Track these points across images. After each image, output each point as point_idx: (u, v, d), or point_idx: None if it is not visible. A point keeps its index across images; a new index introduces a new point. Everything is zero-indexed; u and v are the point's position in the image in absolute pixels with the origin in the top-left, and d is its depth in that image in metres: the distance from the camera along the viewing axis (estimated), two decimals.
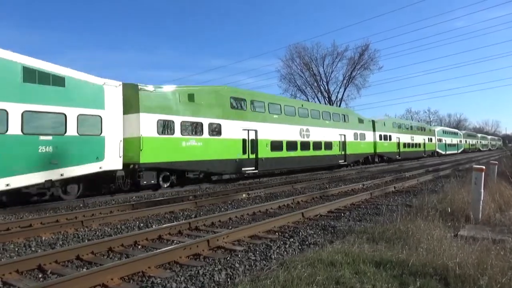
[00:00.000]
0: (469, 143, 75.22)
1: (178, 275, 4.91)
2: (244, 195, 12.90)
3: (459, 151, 64.14)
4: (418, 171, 22.40)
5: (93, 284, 4.49)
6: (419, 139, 44.62)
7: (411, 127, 44.06)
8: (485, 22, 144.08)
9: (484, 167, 7.42)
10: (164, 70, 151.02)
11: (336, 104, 55.82)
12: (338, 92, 57.74)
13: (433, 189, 13.31)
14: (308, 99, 56.52)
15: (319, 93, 58.04)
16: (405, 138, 40.24)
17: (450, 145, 58.31)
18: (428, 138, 48.53)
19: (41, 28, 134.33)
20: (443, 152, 53.93)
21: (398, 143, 38.06)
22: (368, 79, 56.74)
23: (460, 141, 66.37)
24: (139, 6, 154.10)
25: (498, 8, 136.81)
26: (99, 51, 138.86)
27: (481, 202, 7.17)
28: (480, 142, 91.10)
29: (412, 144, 42.51)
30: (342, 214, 9.09)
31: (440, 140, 53.20)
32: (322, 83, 57.92)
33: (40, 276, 5.08)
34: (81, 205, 11.76)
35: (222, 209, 10.49)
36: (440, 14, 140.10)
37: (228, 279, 4.74)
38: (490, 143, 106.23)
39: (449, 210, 7.54)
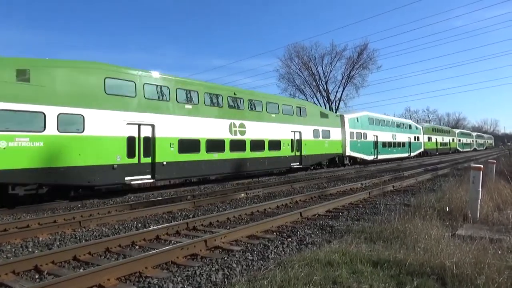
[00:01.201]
0: (436, 142, 51.93)
1: (175, 275, 4.89)
2: (242, 194, 12.89)
3: (414, 153, 42.41)
4: (416, 170, 22.42)
5: (90, 284, 4.47)
6: (276, 133, 20.42)
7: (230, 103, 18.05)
8: (483, 21, 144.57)
9: (482, 166, 7.43)
10: (165, 69, 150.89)
11: (335, 103, 55.86)
12: (337, 92, 57.73)
13: (432, 188, 13.32)
14: (307, 98, 56.51)
15: (318, 92, 58.07)
16: (211, 128, 16.40)
17: (389, 144, 35.71)
18: (313, 131, 23.57)
19: (42, 29, 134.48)
20: (369, 158, 31.08)
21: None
22: (367, 79, 56.35)
23: (417, 138, 43.82)
24: (140, 7, 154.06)
25: (497, 7, 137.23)
26: (100, 51, 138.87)
27: (479, 201, 7.18)
28: (459, 140, 67.08)
29: (239, 142, 17.88)
30: (340, 214, 9.08)
31: (356, 136, 29.36)
32: (321, 82, 57.88)
33: (36, 276, 5.06)
34: (79, 205, 11.74)
35: (220, 209, 10.48)
36: (439, 13, 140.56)
37: (225, 279, 4.73)
38: (476, 141, 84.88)
39: (447, 209, 7.55)
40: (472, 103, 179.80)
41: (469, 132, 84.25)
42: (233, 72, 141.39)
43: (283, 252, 5.93)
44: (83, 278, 4.47)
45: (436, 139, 52.44)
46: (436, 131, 53.94)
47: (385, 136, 35.18)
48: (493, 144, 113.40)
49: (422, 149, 45.52)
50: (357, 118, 30.50)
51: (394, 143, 37.38)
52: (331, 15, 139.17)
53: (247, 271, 5.03)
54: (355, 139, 29.26)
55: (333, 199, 11.30)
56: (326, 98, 57.34)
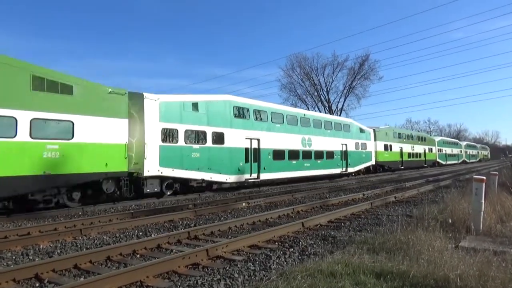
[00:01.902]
0: (401, 152, 38.18)
1: (176, 285, 4.87)
2: (244, 204, 12.84)
3: (355, 168, 28.47)
4: (418, 181, 22.36)
5: None
6: None
7: None
8: (485, 33, 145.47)
9: (484, 177, 7.41)
10: (167, 78, 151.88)
11: (337, 113, 56.04)
12: (338, 102, 57.99)
13: (434, 199, 13.27)
14: (308, 108, 56.76)
15: (320, 102, 58.36)
16: None
17: (294, 154, 21.79)
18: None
19: (50, 38, 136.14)
20: (230, 178, 17.58)
21: None
22: (368, 89, 56.73)
23: (362, 145, 29.65)
24: (139, 15, 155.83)
25: (497, 20, 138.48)
26: (104, 59, 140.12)
27: (482, 213, 7.14)
28: (439, 150, 53.06)
29: None
30: (343, 224, 9.04)
31: (185, 138, 15.53)
32: (323, 92, 58.27)
33: (37, 285, 5.03)
34: (80, 213, 11.71)
35: (222, 218, 10.44)
36: (440, 25, 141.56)
37: None
38: (466, 152, 70.61)
39: (450, 221, 7.51)
40: (474, 115, 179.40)
41: (456, 141, 69.77)
42: (236, 81, 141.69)
43: (285, 263, 5.90)
44: (83, 287, 4.44)
45: (401, 148, 38.55)
46: (400, 137, 38.94)
47: (283, 140, 20.77)
48: (489, 156, 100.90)
49: (371, 162, 31.31)
50: (194, 104, 16.23)
51: (307, 152, 22.57)
52: (333, 26, 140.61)
53: (249, 281, 4.99)
54: (181, 143, 15.26)
55: (335, 209, 11.26)
56: (327, 108, 57.62)
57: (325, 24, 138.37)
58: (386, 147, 34.81)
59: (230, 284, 4.88)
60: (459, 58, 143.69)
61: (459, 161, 64.48)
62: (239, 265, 5.69)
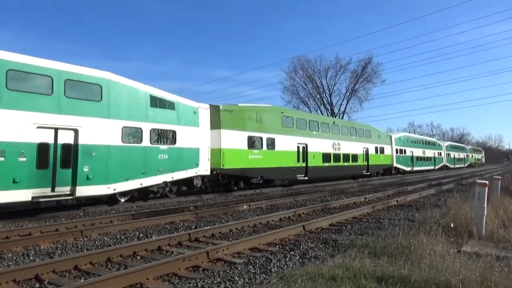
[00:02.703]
0: (301, 152, 22.18)
1: (176, 287, 4.84)
2: (245, 206, 12.83)
3: (94, 189, 11.63)
4: (420, 185, 22.28)
5: None
6: None
7: None
8: (488, 37, 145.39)
9: (487, 182, 7.37)
10: (169, 80, 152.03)
11: (339, 116, 56.01)
12: (340, 105, 57.98)
13: (436, 203, 13.21)
14: (310, 111, 56.83)
15: (322, 105, 58.38)
16: None
17: None
18: None
19: (50, 38, 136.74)
20: None
21: None
22: (371, 92, 56.65)
23: (139, 133, 13.28)
24: (141, 17, 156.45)
25: (502, 23, 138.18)
26: (104, 60, 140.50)
27: (484, 217, 7.09)
28: (400, 151, 37.58)
29: None
30: (344, 228, 9.00)
31: None
32: (325, 95, 58.32)
33: (37, 286, 5.02)
34: (81, 214, 11.72)
35: (223, 220, 10.42)
36: (444, 28, 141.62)
37: None
38: (448, 155, 55.81)
39: (452, 225, 7.46)
40: (477, 118, 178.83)
41: (432, 140, 53.62)
42: (238, 83, 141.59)
43: (285, 266, 5.87)
44: None
45: (304, 145, 22.88)
46: (300, 126, 23.04)
47: None
48: (483, 160, 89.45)
49: (196, 170, 15.62)
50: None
51: None
52: (335, 28, 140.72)
53: (249, 284, 4.97)
54: None
55: (336, 212, 11.22)
56: (330, 111, 57.60)
57: (327, 26, 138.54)
58: (253, 141, 19.35)
59: (230, 287, 4.86)
60: (462, 61, 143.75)
61: (437, 167, 49.34)
62: (239, 268, 5.67)
